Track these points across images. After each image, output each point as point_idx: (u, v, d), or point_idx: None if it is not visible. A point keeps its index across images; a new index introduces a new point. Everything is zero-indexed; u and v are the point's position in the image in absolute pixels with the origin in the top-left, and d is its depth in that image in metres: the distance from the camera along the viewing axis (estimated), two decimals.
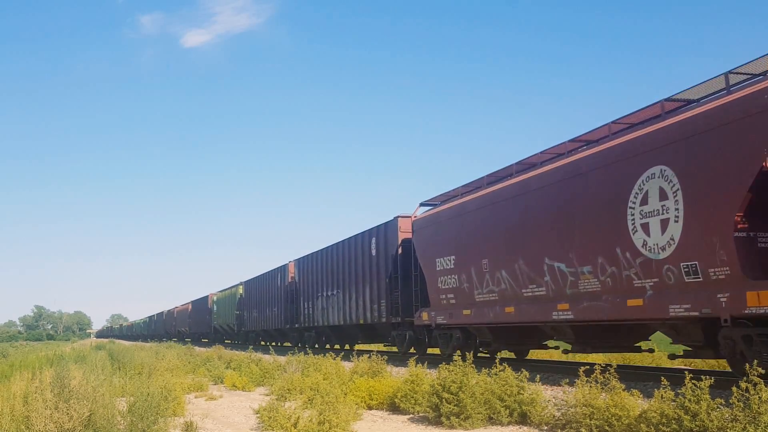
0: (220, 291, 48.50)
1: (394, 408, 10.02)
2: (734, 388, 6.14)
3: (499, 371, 8.96)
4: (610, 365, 7.95)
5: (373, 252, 20.35)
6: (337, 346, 27.17)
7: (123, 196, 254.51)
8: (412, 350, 19.37)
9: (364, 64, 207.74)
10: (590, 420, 7.10)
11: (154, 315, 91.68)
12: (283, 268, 31.81)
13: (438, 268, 16.07)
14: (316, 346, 27.11)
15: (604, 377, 7.56)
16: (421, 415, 9.25)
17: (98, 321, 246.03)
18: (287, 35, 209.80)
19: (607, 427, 6.94)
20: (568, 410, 7.72)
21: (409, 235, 18.24)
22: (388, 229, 19.60)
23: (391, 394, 10.17)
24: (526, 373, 8.90)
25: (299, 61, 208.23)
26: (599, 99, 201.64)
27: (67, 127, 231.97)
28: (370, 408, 10.36)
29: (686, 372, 6.85)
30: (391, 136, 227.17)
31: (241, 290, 41.50)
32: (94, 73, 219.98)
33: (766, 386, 5.96)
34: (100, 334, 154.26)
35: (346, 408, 8.60)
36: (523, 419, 8.34)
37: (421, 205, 18.04)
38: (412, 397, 9.55)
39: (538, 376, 9.55)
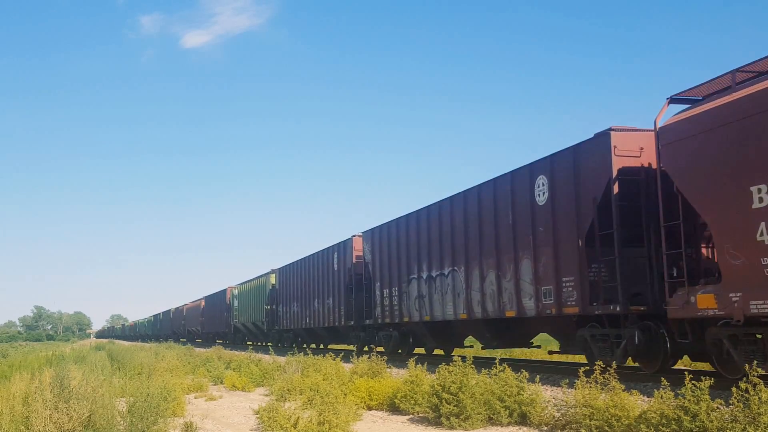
0: (243, 282, 40.60)
1: (393, 408, 10.02)
2: (734, 389, 6.15)
3: (499, 372, 8.97)
4: (610, 365, 7.96)
5: (540, 198, 12.67)
6: (419, 350, 20.12)
7: (123, 197, 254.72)
8: (630, 362, 11.78)
9: (363, 65, 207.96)
10: (590, 420, 7.11)
11: (159, 313, 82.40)
12: (342, 246, 23.62)
13: (759, 205, 8.67)
14: (400, 351, 19.98)
15: (603, 377, 7.57)
16: (420, 415, 9.25)
17: (98, 321, 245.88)
18: (287, 36, 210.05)
19: (606, 428, 6.95)
20: (568, 411, 7.73)
21: (635, 160, 11.17)
22: (581, 155, 11.82)
23: (391, 394, 10.18)
24: (525, 373, 8.90)
25: (299, 61, 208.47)
26: (598, 102, 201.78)
27: (67, 127, 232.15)
28: (369, 408, 10.36)
29: (686, 372, 6.86)
30: (391, 136, 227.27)
31: (273, 280, 33.51)
32: (95, 73, 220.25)
33: (765, 386, 5.96)
34: (101, 335, 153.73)
35: (346, 408, 8.60)
36: (523, 420, 8.35)
37: (673, 101, 10.63)
38: (412, 398, 9.55)
39: (537, 376, 9.54)
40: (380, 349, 20.42)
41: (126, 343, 57.95)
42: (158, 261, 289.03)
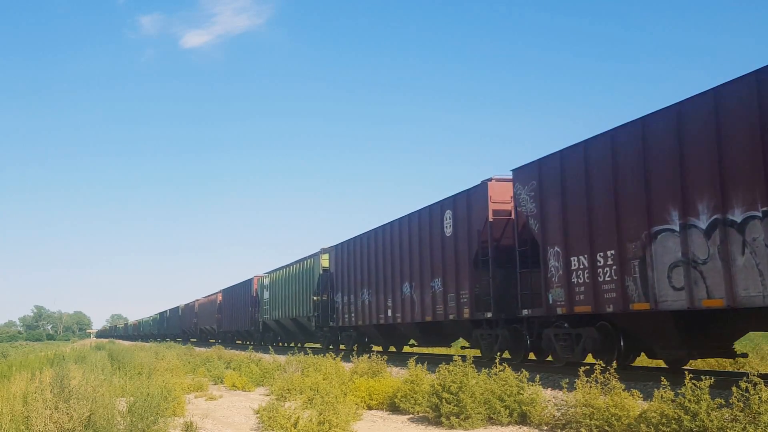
0: (278, 269, 32.46)
1: (394, 408, 10.03)
2: (734, 388, 6.15)
3: (499, 371, 8.98)
4: (610, 365, 7.97)
5: None
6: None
7: (123, 196, 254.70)
8: None
9: (363, 65, 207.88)
10: (590, 420, 7.12)
11: (166, 311, 74.60)
12: (464, 199, 15.52)
13: None
14: (599, 361, 10.69)
15: (604, 377, 7.58)
16: (421, 415, 9.25)
17: (98, 321, 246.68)
18: (287, 36, 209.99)
19: (607, 427, 6.96)
20: (568, 410, 7.73)
21: None
22: None
23: (391, 394, 10.19)
24: (526, 373, 8.91)
25: (299, 61, 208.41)
26: (602, 104, 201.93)
27: (67, 127, 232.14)
28: (370, 408, 10.36)
29: (686, 372, 6.86)
30: (390, 136, 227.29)
31: (325, 262, 25.89)
32: (95, 73, 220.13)
33: (766, 386, 5.97)
34: (102, 334, 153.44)
35: (346, 408, 8.61)
36: (523, 419, 8.36)
37: None
38: (412, 397, 9.56)
39: (537, 376, 9.55)
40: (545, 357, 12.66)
41: (126, 343, 57.88)
42: (158, 261, 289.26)
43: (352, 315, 22.44)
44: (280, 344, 32.61)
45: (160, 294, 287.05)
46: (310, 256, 27.59)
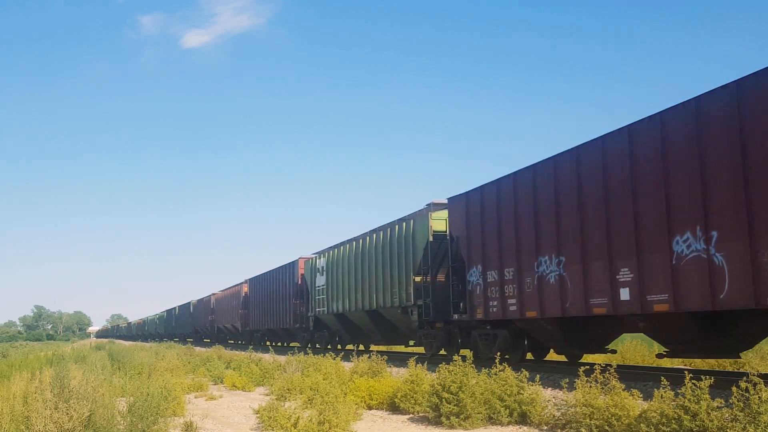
0: (342, 243, 23.79)
1: (394, 408, 10.03)
2: (734, 388, 6.15)
3: (499, 371, 8.99)
4: (610, 365, 7.97)
5: None
6: None
7: (123, 196, 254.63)
8: None
9: (363, 65, 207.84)
10: (590, 420, 7.12)
11: (174, 308, 66.15)
12: None
13: None
14: None
15: (604, 377, 7.58)
16: (421, 415, 9.26)
17: (98, 321, 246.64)
18: (287, 36, 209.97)
19: (607, 427, 6.95)
20: (568, 410, 7.73)
21: None
22: None
23: (391, 394, 10.19)
24: (526, 373, 8.92)
25: (299, 61, 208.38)
26: (605, 103, 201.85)
27: (67, 127, 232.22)
28: (370, 408, 10.37)
29: (686, 372, 6.86)
30: (391, 136, 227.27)
31: (438, 223, 17.13)
32: (95, 73, 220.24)
33: (766, 386, 5.97)
34: (104, 334, 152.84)
35: (346, 408, 8.61)
36: (523, 419, 8.36)
37: None
38: (412, 397, 9.56)
39: (537, 376, 9.56)
40: None
41: (126, 343, 57.79)
42: (158, 261, 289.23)
43: (509, 302, 13.56)
44: (338, 347, 23.91)
45: (160, 294, 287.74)
46: (405, 218, 18.89)
